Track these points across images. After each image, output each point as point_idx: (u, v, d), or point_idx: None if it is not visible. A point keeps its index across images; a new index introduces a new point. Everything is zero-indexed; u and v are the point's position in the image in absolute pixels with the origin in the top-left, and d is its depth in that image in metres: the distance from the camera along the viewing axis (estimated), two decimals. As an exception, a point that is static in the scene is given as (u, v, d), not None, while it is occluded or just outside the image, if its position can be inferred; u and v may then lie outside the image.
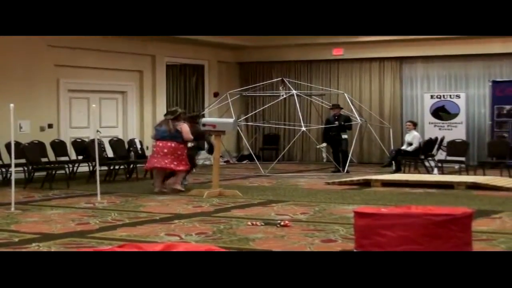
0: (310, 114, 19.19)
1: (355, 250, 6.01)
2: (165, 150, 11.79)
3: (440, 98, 17.44)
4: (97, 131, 12.87)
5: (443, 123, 17.27)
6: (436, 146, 15.69)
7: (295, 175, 15.37)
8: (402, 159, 15.58)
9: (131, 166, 14.60)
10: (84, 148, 14.38)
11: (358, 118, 16.88)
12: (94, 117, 15.18)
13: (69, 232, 8.03)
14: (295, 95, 17.02)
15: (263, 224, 8.43)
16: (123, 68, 16.89)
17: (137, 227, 8.37)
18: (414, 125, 16.07)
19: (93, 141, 12.47)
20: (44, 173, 12.99)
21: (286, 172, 15.98)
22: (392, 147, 16.84)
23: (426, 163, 15.41)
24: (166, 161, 11.78)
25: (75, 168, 14.40)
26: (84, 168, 14.40)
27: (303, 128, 16.65)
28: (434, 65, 18.10)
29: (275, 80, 18.44)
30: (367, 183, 12.93)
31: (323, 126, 16.92)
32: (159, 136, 11.97)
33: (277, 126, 19.02)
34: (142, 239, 7.50)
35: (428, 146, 15.58)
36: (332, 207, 10.08)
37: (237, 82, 19.88)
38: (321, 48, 18.65)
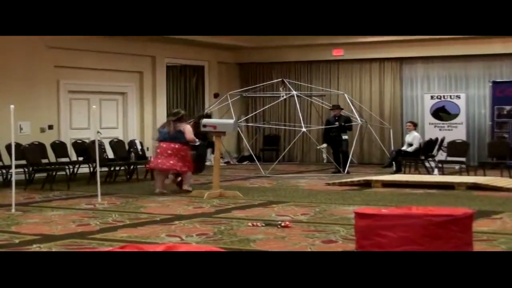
0: (310, 115, 19.20)
1: (355, 251, 6.01)
2: (169, 151, 11.83)
3: (440, 98, 17.45)
4: (98, 132, 12.88)
5: (443, 124, 17.28)
6: (437, 146, 15.69)
7: (295, 176, 15.37)
8: (402, 159, 15.58)
9: (132, 167, 14.60)
10: (85, 149, 14.39)
11: (358, 118, 16.89)
12: (95, 118, 15.19)
13: (70, 233, 8.03)
14: (295, 95, 17.03)
15: (263, 225, 8.43)
16: (123, 69, 16.90)
17: (138, 228, 8.37)
18: (415, 125, 16.08)
19: (93, 142, 12.48)
20: (44, 174, 12.99)
21: (287, 173, 15.98)
22: (392, 148, 16.85)
23: (427, 164, 15.41)
24: (171, 162, 11.82)
25: (75, 169, 14.41)
26: (84, 169, 14.41)
27: (304, 129, 16.66)
28: (434, 65, 18.10)
29: (275, 81, 18.45)
30: (367, 184, 12.93)
31: (324, 127, 16.93)
32: (161, 138, 12.01)
33: (277, 127, 19.02)
34: (143, 240, 7.50)
35: (428, 147, 15.58)
36: (333, 208, 10.08)
37: (237, 83, 19.89)
38: (321, 49, 18.66)
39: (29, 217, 9.32)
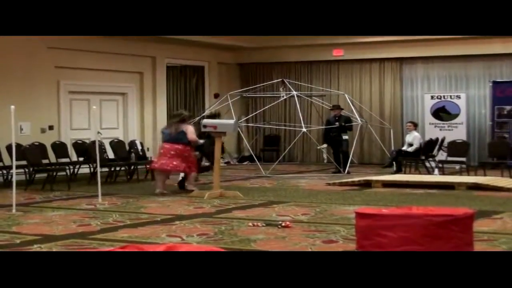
0: (310, 115, 19.21)
1: (356, 251, 6.01)
2: (172, 152, 11.88)
3: (440, 98, 17.45)
4: (98, 132, 12.89)
5: (443, 124, 17.28)
6: (437, 146, 15.69)
7: (295, 176, 15.37)
8: (402, 159, 15.59)
9: (132, 167, 14.61)
10: (85, 149, 14.39)
11: (358, 119, 16.89)
12: (95, 118, 15.19)
13: (71, 234, 8.04)
14: (295, 96, 17.03)
15: (264, 225, 8.43)
16: (123, 70, 16.90)
17: (139, 228, 8.38)
18: (415, 125, 16.08)
19: (94, 142, 12.49)
20: (45, 174, 13.00)
21: (287, 173, 15.99)
22: (392, 148, 16.85)
23: (427, 164, 15.41)
24: (175, 163, 11.86)
25: (76, 170, 14.42)
26: (85, 169, 14.42)
27: (304, 129, 16.67)
28: (434, 65, 18.10)
29: (276, 81, 18.45)
30: (367, 184, 12.93)
31: (324, 127, 16.93)
32: (165, 139, 12.11)
33: (277, 127, 19.02)
34: (144, 240, 7.50)
35: (428, 147, 15.59)
36: (333, 208, 10.08)
37: (237, 83, 19.89)
38: (321, 49, 18.66)
39: (29, 218, 9.33)
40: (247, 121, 19.23)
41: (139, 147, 15.33)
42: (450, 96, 17.40)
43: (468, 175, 14.40)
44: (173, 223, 8.75)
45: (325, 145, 17.80)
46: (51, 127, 15.23)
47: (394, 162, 15.63)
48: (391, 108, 18.48)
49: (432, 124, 17.39)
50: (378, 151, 18.20)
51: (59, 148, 14.54)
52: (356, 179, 13.57)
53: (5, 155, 13.14)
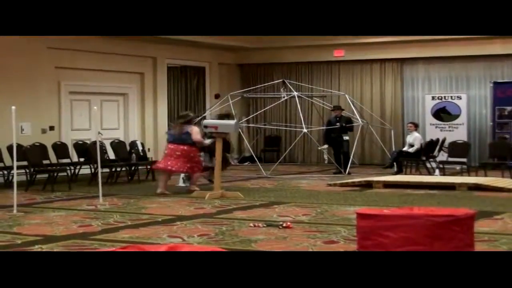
0: (311, 116, 19.21)
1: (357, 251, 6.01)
2: (178, 153, 11.93)
3: (441, 99, 17.45)
4: (99, 133, 12.90)
5: (444, 124, 17.28)
6: (438, 147, 15.69)
7: (296, 177, 15.37)
8: (403, 160, 15.59)
9: (133, 168, 14.61)
10: (86, 150, 14.40)
11: (359, 119, 16.89)
12: (96, 119, 15.20)
13: (72, 234, 8.04)
14: (296, 96, 17.04)
15: (265, 225, 8.43)
16: (124, 70, 16.92)
17: (140, 229, 8.38)
18: (416, 126, 16.09)
19: (94, 143, 12.49)
20: (45, 175, 13.00)
21: (288, 174, 15.99)
22: (393, 149, 16.86)
23: (428, 164, 15.41)
24: (179, 164, 11.89)
25: (76, 170, 14.42)
26: (85, 170, 14.42)
27: (305, 130, 16.67)
28: (435, 66, 18.11)
29: (276, 81, 18.46)
30: (368, 185, 12.93)
31: (325, 128, 16.94)
32: (170, 139, 12.19)
33: (278, 127, 19.03)
34: (145, 241, 7.50)
35: (429, 147, 15.59)
36: (334, 208, 10.08)
37: (238, 84, 19.90)
38: (322, 50, 18.66)
39: (30, 218, 9.33)
40: (247, 121, 19.23)
41: (140, 148, 15.34)
42: (451, 96, 17.40)
43: (469, 175, 14.40)
44: (174, 224, 8.75)
45: (326, 146, 17.80)
46: (52, 128, 15.24)
47: (395, 163, 15.63)
48: (392, 109, 18.49)
49: (433, 124, 17.39)
50: (379, 152, 18.20)
51: (60, 149, 14.54)
52: (357, 179, 13.57)
53: (6, 156, 13.14)
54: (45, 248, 7.22)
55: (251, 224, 8.53)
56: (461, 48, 17.14)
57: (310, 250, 7.02)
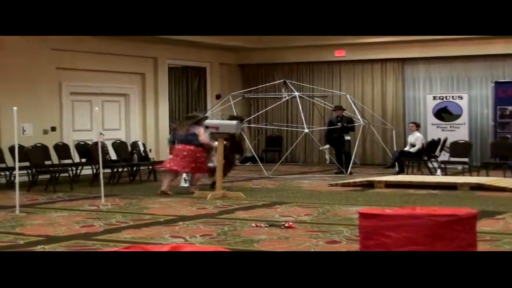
0: (312, 116, 19.21)
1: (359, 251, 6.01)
2: (184, 153, 11.96)
3: (442, 99, 17.44)
4: (100, 133, 12.91)
5: (445, 124, 17.27)
6: (439, 147, 15.69)
7: (298, 177, 15.38)
8: (405, 160, 15.59)
9: (135, 168, 14.62)
10: (87, 150, 14.41)
11: (360, 119, 16.90)
12: (97, 119, 15.21)
13: (74, 235, 8.05)
14: (297, 96, 17.04)
15: (267, 225, 8.44)
16: (125, 71, 16.92)
17: (142, 229, 8.38)
18: (417, 126, 16.08)
19: (96, 143, 12.51)
20: (47, 176, 13.01)
21: (289, 174, 15.99)
22: (395, 148, 16.85)
23: (429, 164, 15.41)
24: (184, 164, 11.96)
25: (78, 171, 14.43)
26: (87, 171, 14.43)
27: (306, 130, 16.68)
28: (436, 66, 18.10)
29: (277, 82, 18.46)
30: (370, 185, 12.93)
31: (326, 128, 16.94)
32: (177, 140, 12.23)
33: (279, 128, 19.03)
34: (147, 241, 7.51)
35: (431, 147, 15.58)
36: (336, 208, 10.09)
37: (239, 84, 19.90)
38: (323, 50, 18.66)
39: (33, 219, 9.35)
40: (249, 122, 19.22)
41: (141, 148, 15.35)
42: (452, 96, 17.39)
43: (471, 175, 14.40)
44: (176, 224, 8.76)
45: (327, 146, 17.80)
46: (53, 128, 15.25)
47: (396, 163, 15.64)
48: (393, 109, 18.48)
49: (434, 124, 17.38)
50: (380, 152, 18.20)
51: (62, 149, 14.55)
52: (358, 179, 13.57)
53: (8, 157, 13.15)
54: (48, 248, 7.23)
55: (253, 224, 8.54)
56: (462, 48, 17.14)
57: (312, 250, 7.03)
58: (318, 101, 18.54)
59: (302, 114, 17.21)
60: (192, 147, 12.01)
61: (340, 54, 18.83)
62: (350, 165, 15.95)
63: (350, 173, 15.61)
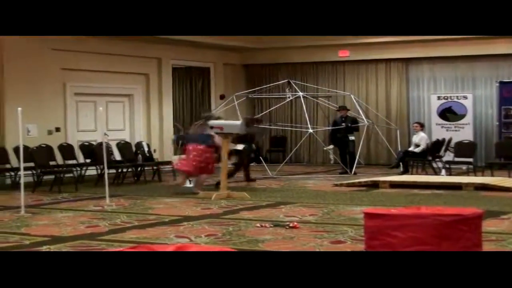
0: (316, 116, 19.21)
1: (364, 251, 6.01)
2: (194, 153, 11.99)
3: (447, 99, 17.43)
4: (105, 134, 12.92)
5: (450, 124, 17.26)
6: (444, 147, 15.68)
7: (302, 177, 15.37)
8: (409, 160, 15.58)
9: (139, 169, 14.64)
10: (92, 151, 14.43)
11: (365, 119, 16.89)
12: (101, 120, 15.22)
13: (79, 235, 8.07)
14: (301, 97, 17.03)
15: (272, 225, 8.44)
16: (129, 71, 16.94)
17: (147, 229, 8.39)
18: (421, 126, 16.07)
19: (100, 144, 12.52)
20: (52, 176, 13.03)
21: (294, 174, 15.99)
22: (399, 149, 16.84)
23: (434, 164, 15.39)
24: (194, 164, 11.99)
25: (83, 172, 14.45)
26: (92, 171, 14.45)
27: (310, 130, 16.67)
28: (440, 66, 18.09)
29: (281, 82, 18.46)
30: (375, 185, 12.92)
31: (330, 128, 16.94)
32: (188, 140, 12.43)
33: (284, 128, 19.03)
34: (152, 241, 7.52)
35: (435, 147, 15.57)
36: (341, 208, 10.09)
37: (243, 84, 19.91)
38: (327, 50, 18.66)
39: (38, 219, 9.36)
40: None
41: (146, 149, 15.37)
42: (457, 96, 17.37)
43: (475, 175, 14.38)
44: (181, 224, 8.76)
45: (331, 146, 17.79)
46: (58, 129, 15.27)
47: (401, 163, 15.62)
48: (398, 109, 18.47)
49: (439, 124, 17.36)
50: (385, 152, 18.18)
51: (66, 150, 14.58)
52: (363, 179, 13.57)
53: (13, 157, 13.17)
54: (53, 248, 7.24)
55: (258, 224, 8.54)
56: (466, 48, 17.11)
57: (317, 250, 7.03)
58: (322, 101, 18.54)
59: (306, 114, 17.22)
60: (202, 147, 12.04)
61: (344, 54, 18.83)
62: (355, 165, 15.94)
63: (355, 173, 15.60)
